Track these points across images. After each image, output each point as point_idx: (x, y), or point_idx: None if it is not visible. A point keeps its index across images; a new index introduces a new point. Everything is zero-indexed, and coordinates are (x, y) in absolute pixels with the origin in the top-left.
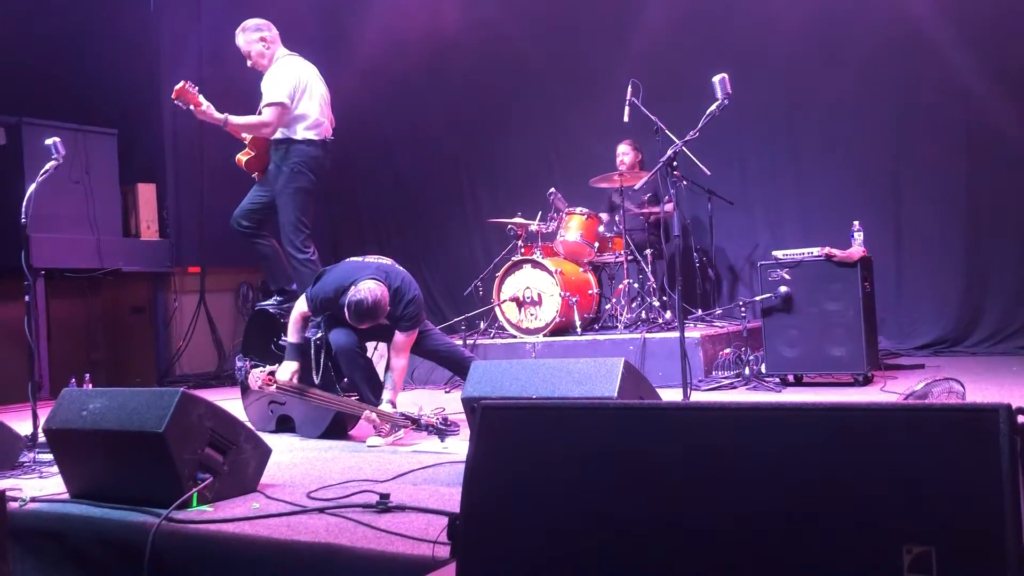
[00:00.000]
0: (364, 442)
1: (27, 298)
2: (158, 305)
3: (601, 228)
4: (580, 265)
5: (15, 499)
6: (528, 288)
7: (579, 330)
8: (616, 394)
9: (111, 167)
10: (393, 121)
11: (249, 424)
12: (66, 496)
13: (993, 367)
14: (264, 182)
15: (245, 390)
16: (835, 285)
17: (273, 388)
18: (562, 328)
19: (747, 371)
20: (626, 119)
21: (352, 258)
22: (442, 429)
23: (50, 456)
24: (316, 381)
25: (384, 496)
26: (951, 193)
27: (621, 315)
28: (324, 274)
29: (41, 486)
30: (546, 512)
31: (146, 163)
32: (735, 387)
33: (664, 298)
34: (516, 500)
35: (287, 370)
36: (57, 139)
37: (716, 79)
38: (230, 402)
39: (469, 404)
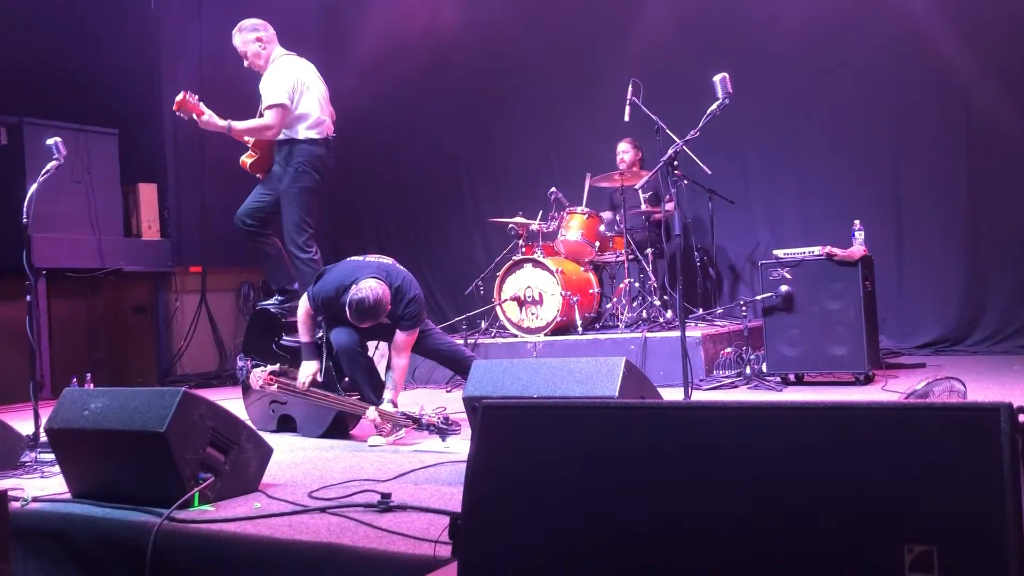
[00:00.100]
0: (365, 441)
1: (28, 298)
2: (159, 305)
3: (602, 227)
4: (581, 264)
5: (17, 499)
6: (529, 287)
7: (580, 329)
8: (617, 393)
9: (112, 167)
10: (393, 121)
11: (250, 424)
12: (68, 496)
13: (994, 366)
14: (268, 181)
15: (246, 390)
16: (836, 284)
17: (274, 388)
18: (563, 327)
19: (748, 370)
20: (627, 118)
21: (353, 257)
22: (443, 428)
23: (51, 456)
24: (318, 380)
25: (385, 496)
26: (952, 192)
27: (622, 314)
28: (325, 273)
29: (43, 486)
30: (547, 511)
31: (147, 163)
32: (736, 386)
33: (665, 297)
34: (517, 499)
35: (308, 370)
36: (58, 139)
37: (717, 78)
38: (231, 402)
39: (470, 403)
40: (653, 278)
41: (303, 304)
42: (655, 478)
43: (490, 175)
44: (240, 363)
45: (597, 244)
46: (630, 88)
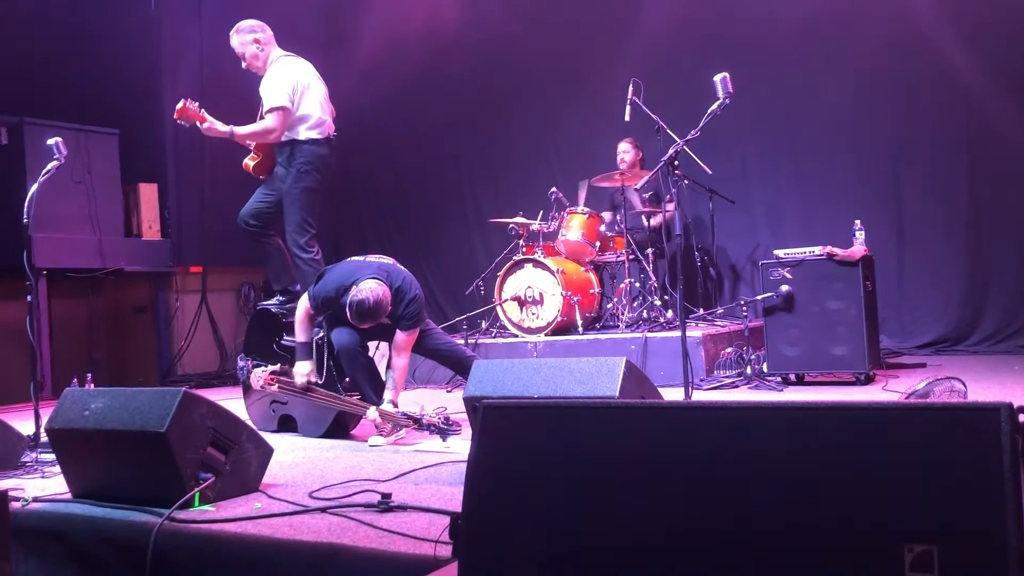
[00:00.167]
0: (366, 441)
1: (29, 298)
2: (160, 305)
3: (603, 227)
4: (582, 264)
5: (17, 499)
6: (530, 287)
7: (581, 329)
8: (618, 393)
9: (113, 167)
10: (394, 121)
11: (251, 424)
12: (68, 496)
13: (995, 366)
14: (271, 181)
15: (247, 390)
16: (837, 284)
17: (275, 388)
18: (564, 327)
19: (749, 370)
20: (627, 118)
21: (353, 257)
22: (444, 428)
23: (52, 456)
24: (319, 380)
25: (386, 496)
26: (952, 192)
27: (623, 314)
28: (326, 273)
29: (43, 486)
30: (548, 511)
31: (148, 163)
32: (737, 386)
33: (666, 297)
34: (518, 499)
35: (303, 370)
36: (59, 139)
37: (717, 78)
38: (232, 402)
39: (471, 403)
40: (654, 278)
41: (303, 304)
42: (655, 478)
43: (490, 175)
44: (241, 363)
45: (598, 244)
46: (631, 88)
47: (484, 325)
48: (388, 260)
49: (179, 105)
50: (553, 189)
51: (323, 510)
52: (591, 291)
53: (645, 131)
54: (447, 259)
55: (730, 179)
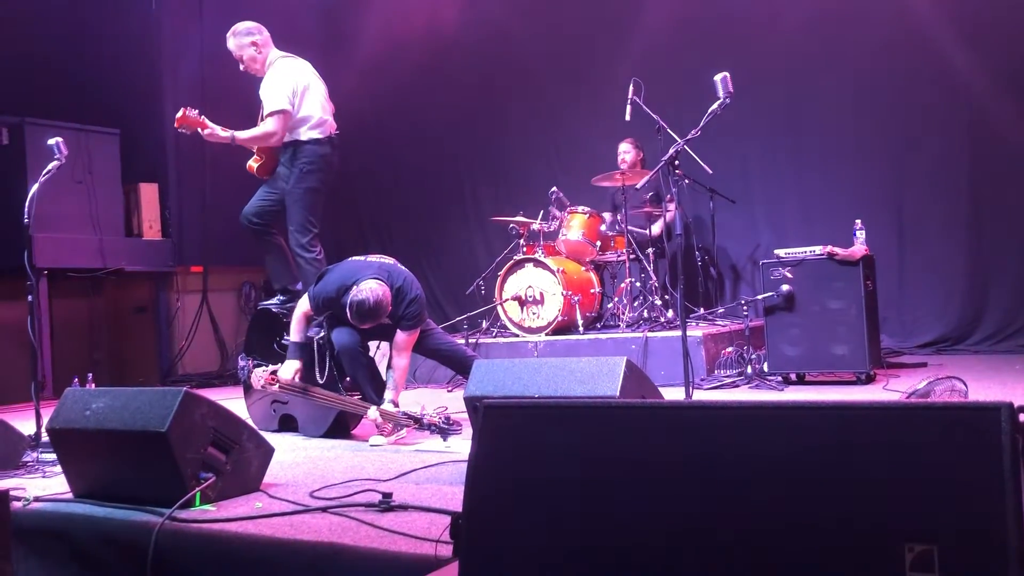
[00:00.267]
0: (367, 441)
1: (30, 298)
2: (161, 305)
3: (603, 227)
4: (582, 264)
5: (19, 499)
6: (530, 287)
7: (581, 329)
8: (618, 393)
9: (113, 167)
10: (394, 120)
11: (252, 423)
12: (69, 496)
13: (995, 365)
14: (274, 180)
15: (248, 389)
16: (837, 283)
17: (276, 387)
18: (564, 327)
19: (749, 370)
20: (628, 118)
21: (354, 257)
22: (444, 428)
23: (53, 456)
24: (320, 380)
25: (387, 495)
26: (953, 191)
27: (623, 314)
28: (326, 273)
29: (44, 486)
30: (548, 511)
31: (148, 163)
32: (737, 386)
33: (666, 297)
34: (518, 499)
35: (289, 369)
36: (59, 139)
37: (718, 78)
38: (233, 401)
39: (471, 403)
40: (654, 278)
41: (303, 304)
42: (656, 478)
43: (491, 175)
44: (242, 363)
45: (598, 244)
46: (631, 87)
47: (485, 325)
48: (389, 260)
49: (179, 114)
50: (554, 189)
51: (324, 510)
52: (592, 291)
53: (646, 131)
54: (448, 259)
55: (731, 179)
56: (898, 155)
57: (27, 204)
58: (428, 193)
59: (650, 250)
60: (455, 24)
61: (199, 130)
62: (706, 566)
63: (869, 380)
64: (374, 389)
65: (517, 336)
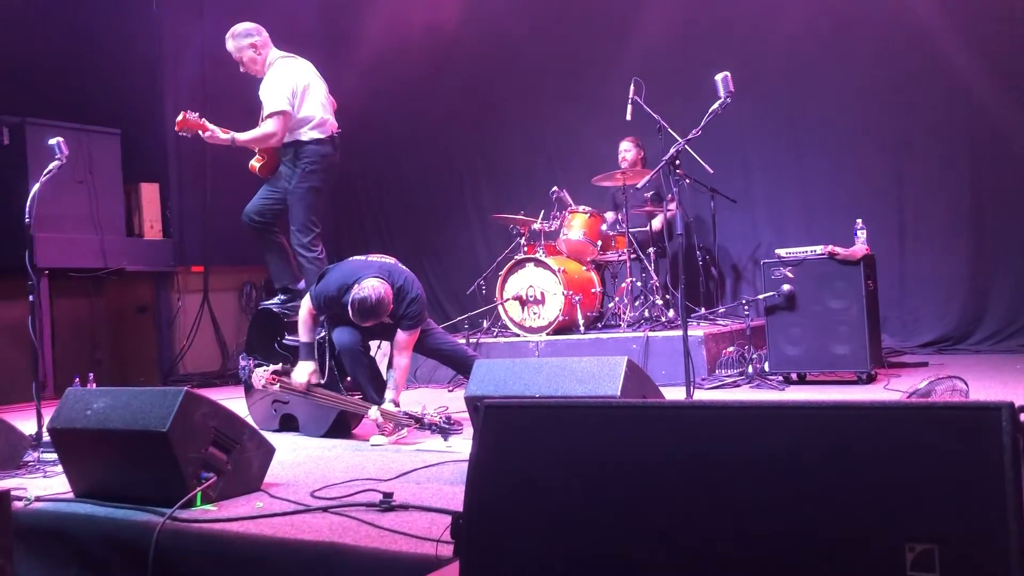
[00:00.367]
0: (367, 441)
1: (31, 298)
2: (161, 304)
3: (604, 227)
4: (583, 263)
5: (20, 498)
6: (531, 287)
7: (582, 329)
8: (619, 393)
9: (114, 167)
10: (395, 120)
11: (253, 423)
12: (70, 495)
13: (996, 365)
14: (276, 179)
15: (249, 389)
16: (838, 283)
17: (277, 387)
18: (565, 327)
19: (750, 369)
20: (628, 117)
21: (355, 257)
22: (445, 428)
23: (54, 456)
24: (320, 380)
25: (387, 495)
26: (954, 191)
27: (624, 314)
28: (327, 273)
29: (45, 485)
30: (549, 511)
31: (149, 162)
32: (738, 385)
33: (667, 296)
34: (519, 499)
35: (304, 370)
36: (60, 139)
37: (718, 77)
38: (234, 401)
39: (472, 403)
40: (655, 277)
41: (305, 304)
42: (657, 477)
43: (492, 174)
44: (242, 362)
45: (599, 243)
46: (632, 87)
47: (485, 324)
48: (390, 260)
49: (179, 117)
50: (554, 188)
51: (325, 509)
52: (592, 290)
53: (646, 130)
54: (448, 258)
55: (731, 178)
56: (899, 154)
57: (28, 204)
58: (429, 192)
59: (651, 250)
60: (456, 23)
61: (200, 132)
62: (707, 566)
63: (870, 380)
64: (375, 389)
65: (518, 336)
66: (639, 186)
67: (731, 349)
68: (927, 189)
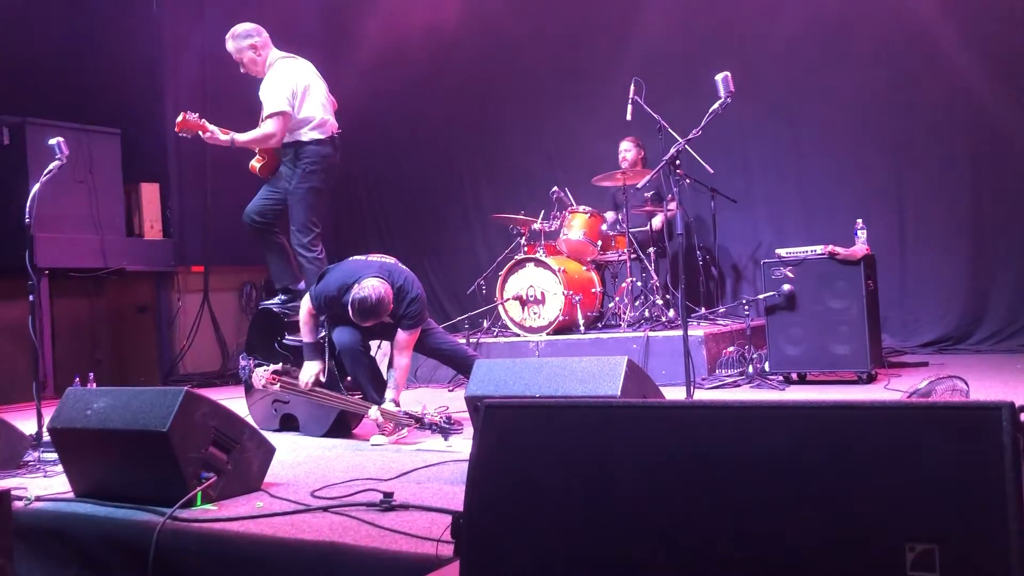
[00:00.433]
0: (368, 441)
1: (31, 298)
2: (162, 304)
3: (604, 227)
4: (583, 263)
5: (20, 498)
6: (531, 287)
7: (582, 329)
8: (619, 393)
9: (114, 166)
10: (395, 120)
11: (253, 423)
12: (70, 495)
13: (997, 365)
14: (276, 180)
15: (249, 389)
16: (839, 283)
17: (277, 387)
18: (565, 327)
19: (751, 369)
20: (629, 117)
21: (355, 256)
22: (446, 428)
23: (54, 455)
24: (321, 380)
25: (388, 495)
26: (954, 190)
27: (624, 313)
28: (328, 272)
29: (46, 485)
30: (549, 510)
31: (149, 162)
32: (739, 385)
33: (667, 296)
34: (519, 499)
35: (310, 371)
36: (60, 139)
37: (719, 77)
38: (234, 401)
39: (472, 402)
40: (655, 277)
41: (305, 304)
42: (657, 477)
43: (492, 174)
44: (243, 362)
45: (599, 243)
46: (632, 87)
47: (486, 324)
48: (390, 259)
49: (179, 118)
50: (555, 188)
51: (325, 509)
52: (593, 290)
53: (647, 130)
54: (449, 258)
55: (732, 178)
56: (899, 154)
57: (28, 204)
58: (429, 192)
59: (651, 249)
60: (456, 24)
61: (200, 133)
62: (707, 565)
63: (870, 380)
64: (375, 388)
65: (518, 336)
66: (639, 186)
67: (731, 349)
68: (927, 189)
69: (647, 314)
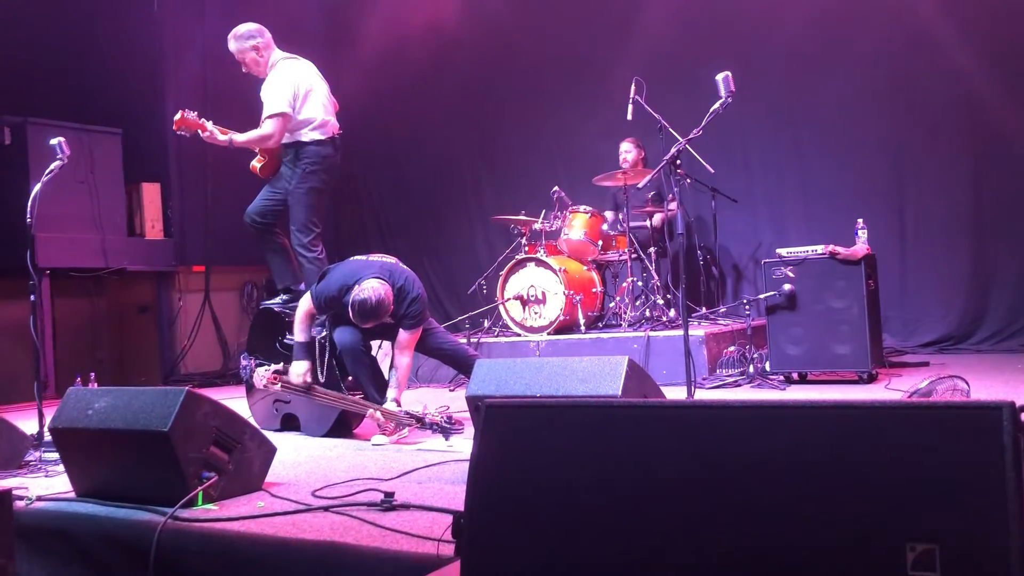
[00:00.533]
0: (369, 440)
1: (32, 298)
2: (163, 304)
3: (605, 226)
4: (584, 263)
5: (21, 498)
6: (532, 286)
7: (583, 328)
8: (620, 392)
9: (115, 166)
10: (396, 120)
11: (254, 423)
12: (72, 495)
13: (998, 364)
14: (277, 180)
15: (250, 389)
16: (839, 283)
17: (278, 387)
18: (566, 326)
19: (751, 369)
20: (629, 117)
21: (356, 256)
22: (446, 427)
23: (56, 455)
24: (321, 380)
25: (389, 494)
26: (955, 190)
27: (625, 313)
28: (328, 272)
29: (47, 485)
30: (550, 510)
31: (150, 162)
32: (739, 385)
33: (668, 296)
34: (520, 498)
35: (299, 369)
36: (62, 139)
37: (719, 77)
38: (235, 401)
39: (473, 402)
40: (656, 277)
41: (305, 303)
42: (658, 477)
43: (493, 174)
44: (244, 362)
45: (600, 243)
46: (633, 87)
47: (487, 324)
48: (391, 259)
49: (177, 116)
50: (555, 188)
51: (326, 509)
52: (593, 290)
53: (647, 130)
54: (449, 258)
55: (732, 178)
56: (900, 154)
57: (29, 204)
58: (430, 192)
59: (652, 249)
60: (456, 24)
61: (199, 132)
62: (707, 565)
63: (871, 379)
64: (376, 388)
65: (519, 335)
66: (640, 186)
67: (732, 349)
68: (928, 189)
69: (648, 314)
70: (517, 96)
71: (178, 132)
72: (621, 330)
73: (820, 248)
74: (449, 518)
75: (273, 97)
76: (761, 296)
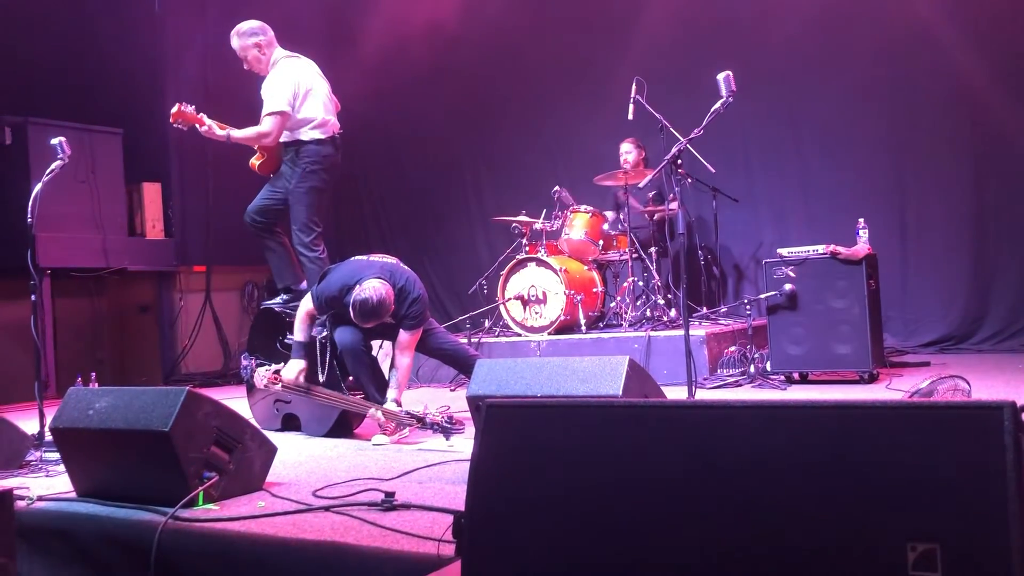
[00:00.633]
0: (369, 440)
1: (33, 297)
2: (163, 304)
3: (606, 226)
4: (585, 263)
5: (22, 498)
6: (533, 286)
7: (584, 328)
8: (621, 392)
9: (116, 166)
10: (397, 119)
11: (255, 423)
12: (73, 495)
13: (999, 364)
14: (277, 179)
15: (251, 389)
16: (840, 283)
17: (279, 387)
18: (567, 326)
19: (752, 369)
20: (630, 117)
21: (357, 256)
22: (447, 427)
23: (57, 455)
24: (321, 380)
25: (389, 494)
26: (957, 190)
27: (626, 313)
28: (329, 272)
29: (48, 485)
30: (551, 510)
31: (151, 162)
32: (740, 385)
33: (669, 296)
34: (521, 498)
35: (294, 368)
36: (62, 138)
37: (721, 76)
38: (236, 401)
39: (474, 402)
40: (657, 277)
41: (305, 303)
42: (658, 477)
43: (493, 174)
44: (244, 362)
45: (601, 243)
46: (634, 86)
47: (487, 324)
48: (391, 259)
49: (174, 109)
50: (556, 187)
51: (327, 509)
52: (594, 290)
53: (648, 129)
54: (450, 258)
55: (733, 178)
56: (901, 154)
57: (30, 204)
58: (430, 192)
59: (653, 249)
60: (457, 23)
61: (196, 126)
62: (708, 565)
63: (872, 379)
64: (377, 388)
65: (519, 335)
66: (641, 185)
67: (733, 348)
68: (929, 188)
69: (648, 314)
70: (517, 96)
71: (175, 125)
72: (622, 330)
73: (821, 248)
74: (450, 518)
75: (273, 95)
76: (762, 296)
